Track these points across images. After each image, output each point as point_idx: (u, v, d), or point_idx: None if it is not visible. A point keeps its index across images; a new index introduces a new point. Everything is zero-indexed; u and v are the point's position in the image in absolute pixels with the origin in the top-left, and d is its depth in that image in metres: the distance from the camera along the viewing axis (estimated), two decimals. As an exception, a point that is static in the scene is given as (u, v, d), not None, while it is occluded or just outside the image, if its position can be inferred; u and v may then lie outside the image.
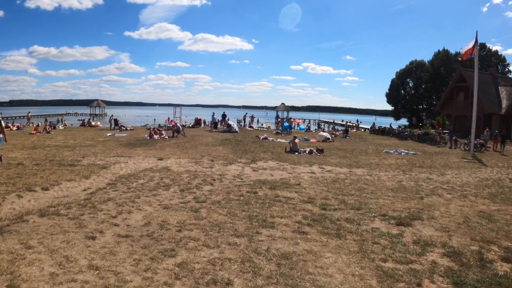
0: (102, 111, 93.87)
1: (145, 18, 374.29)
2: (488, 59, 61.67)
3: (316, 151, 23.26)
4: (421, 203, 10.58)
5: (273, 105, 73.10)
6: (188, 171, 14.44)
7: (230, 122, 38.35)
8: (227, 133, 33.19)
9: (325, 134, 34.30)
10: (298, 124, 54.52)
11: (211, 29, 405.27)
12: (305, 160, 19.22)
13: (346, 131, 40.60)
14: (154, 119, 62.10)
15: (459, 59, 29.51)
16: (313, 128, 57.29)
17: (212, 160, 17.54)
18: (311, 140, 31.78)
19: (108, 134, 31.43)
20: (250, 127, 46.38)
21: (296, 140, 23.97)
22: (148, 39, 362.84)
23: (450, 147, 29.94)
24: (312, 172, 15.38)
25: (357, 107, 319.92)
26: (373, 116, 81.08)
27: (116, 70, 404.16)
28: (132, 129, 38.54)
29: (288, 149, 23.39)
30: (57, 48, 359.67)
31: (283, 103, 78.71)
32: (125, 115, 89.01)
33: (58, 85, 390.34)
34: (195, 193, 10.37)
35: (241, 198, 9.87)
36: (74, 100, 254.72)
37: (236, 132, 34.94)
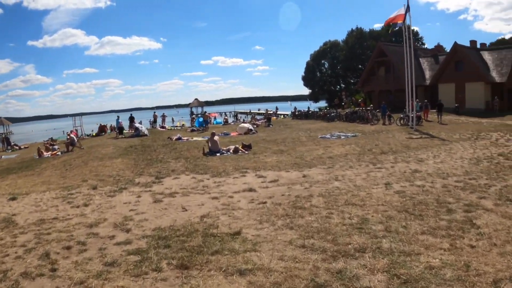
0: (6, 129, 79.15)
1: (48, 25, 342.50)
2: (402, 34, 59.03)
3: (242, 148, 17.38)
4: (486, 241, 4.90)
5: (187, 102, 67.01)
6: (40, 222, 7.40)
7: (137, 125, 31.43)
8: (135, 138, 26.48)
9: (246, 125, 29.10)
10: (215, 118, 49.15)
11: (117, 31, 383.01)
12: (232, 165, 13.00)
13: (268, 119, 35.35)
14: (63, 131, 51.21)
15: (389, 30, 26.38)
16: (230, 120, 51.70)
17: (95, 188, 10.54)
18: (232, 134, 26.37)
19: (-6, 157, 23.01)
20: (162, 127, 39.70)
21: (216, 138, 17.63)
22: (53, 47, 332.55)
23: (384, 124, 26.32)
24: (250, 189, 9.14)
25: (271, 95, 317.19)
26: (288, 102, 76.71)
27: (21, 83, 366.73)
28: (27, 147, 30.68)
29: (206, 149, 17.09)
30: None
31: (196, 99, 72.22)
32: (32, 131, 76.25)
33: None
34: None
35: None
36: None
37: (146, 135, 28.39)
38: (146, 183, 10.69)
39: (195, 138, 24.18)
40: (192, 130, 32.09)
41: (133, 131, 30.55)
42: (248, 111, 74.34)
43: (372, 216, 6.37)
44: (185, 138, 24.53)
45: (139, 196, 9.14)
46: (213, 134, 18.02)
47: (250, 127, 27.94)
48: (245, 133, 26.00)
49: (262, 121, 37.45)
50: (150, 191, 9.68)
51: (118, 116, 34.17)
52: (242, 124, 31.75)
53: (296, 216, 6.61)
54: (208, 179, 10.87)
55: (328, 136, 21.15)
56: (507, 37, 66.14)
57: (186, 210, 7.59)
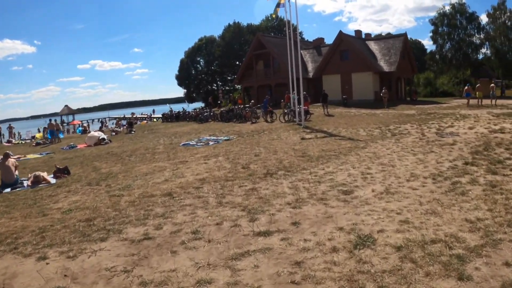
0: None
1: None
2: (281, 28, 54.65)
3: (55, 173, 10.21)
4: None
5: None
6: None
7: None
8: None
9: (96, 134, 21.52)
10: (79, 126, 42.38)
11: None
12: None
13: (130, 125, 27.57)
14: None
15: (273, 15, 21.23)
16: (96, 127, 43.02)
17: None
18: (79, 147, 19.51)
19: None
20: (9, 142, 31.28)
21: (10, 162, 9.65)
22: None
23: (266, 121, 21.08)
24: None
25: (151, 99, 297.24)
26: (167, 105, 68.49)
27: None
28: None
29: (-1, 182, 9.46)
30: None
31: (66, 105, 61.91)
32: None
33: None
34: None
35: None
36: None
37: (-29, 156, 19.40)
38: None
39: (30, 156, 17.53)
40: (37, 144, 24.33)
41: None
42: (123, 115, 64.84)
43: None
44: (17, 156, 16.35)
45: None
46: (6, 156, 9.87)
47: (102, 136, 20.53)
48: (95, 144, 19.17)
49: (124, 126, 29.99)
50: None
51: None
52: (92, 133, 23.47)
53: None
54: None
55: (193, 142, 15.03)
56: (380, 36, 66.30)
57: None
